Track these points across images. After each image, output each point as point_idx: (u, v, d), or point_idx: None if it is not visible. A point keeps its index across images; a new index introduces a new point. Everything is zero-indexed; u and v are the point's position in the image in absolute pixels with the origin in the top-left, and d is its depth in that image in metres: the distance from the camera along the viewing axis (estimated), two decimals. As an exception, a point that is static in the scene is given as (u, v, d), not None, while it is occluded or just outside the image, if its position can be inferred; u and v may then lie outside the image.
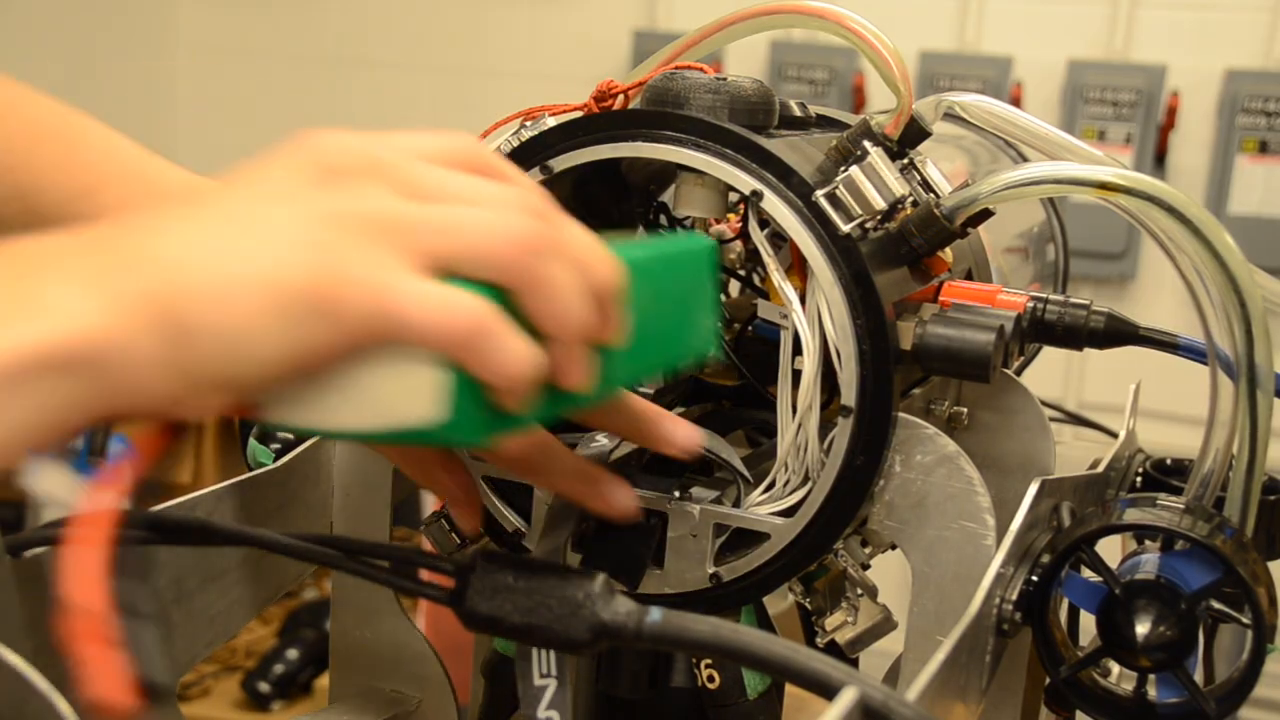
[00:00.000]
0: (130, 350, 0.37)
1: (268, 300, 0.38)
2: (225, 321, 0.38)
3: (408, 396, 0.41)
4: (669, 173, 0.70)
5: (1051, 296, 0.67)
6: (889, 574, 0.72)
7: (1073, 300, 0.67)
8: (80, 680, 0.35)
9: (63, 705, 0.46)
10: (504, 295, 0.41)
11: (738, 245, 0.72)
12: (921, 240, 0.62)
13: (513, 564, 0.47)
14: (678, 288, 0.51)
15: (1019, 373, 0.72)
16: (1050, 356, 0.82)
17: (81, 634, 0.36)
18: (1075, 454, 0.80)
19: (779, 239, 0.61)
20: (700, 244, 0.52)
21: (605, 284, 0.44)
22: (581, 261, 0.43)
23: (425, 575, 0.49)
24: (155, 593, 0.41)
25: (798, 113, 0.69)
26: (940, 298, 0.64)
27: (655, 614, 0.45)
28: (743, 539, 0.62)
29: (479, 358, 0.40)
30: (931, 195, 0.64)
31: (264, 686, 2.22)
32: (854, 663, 0.67)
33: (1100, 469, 0.73)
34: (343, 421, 0.42)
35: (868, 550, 0.66)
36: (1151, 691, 0.61)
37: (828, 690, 0.42)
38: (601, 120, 0.62)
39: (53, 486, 0.39)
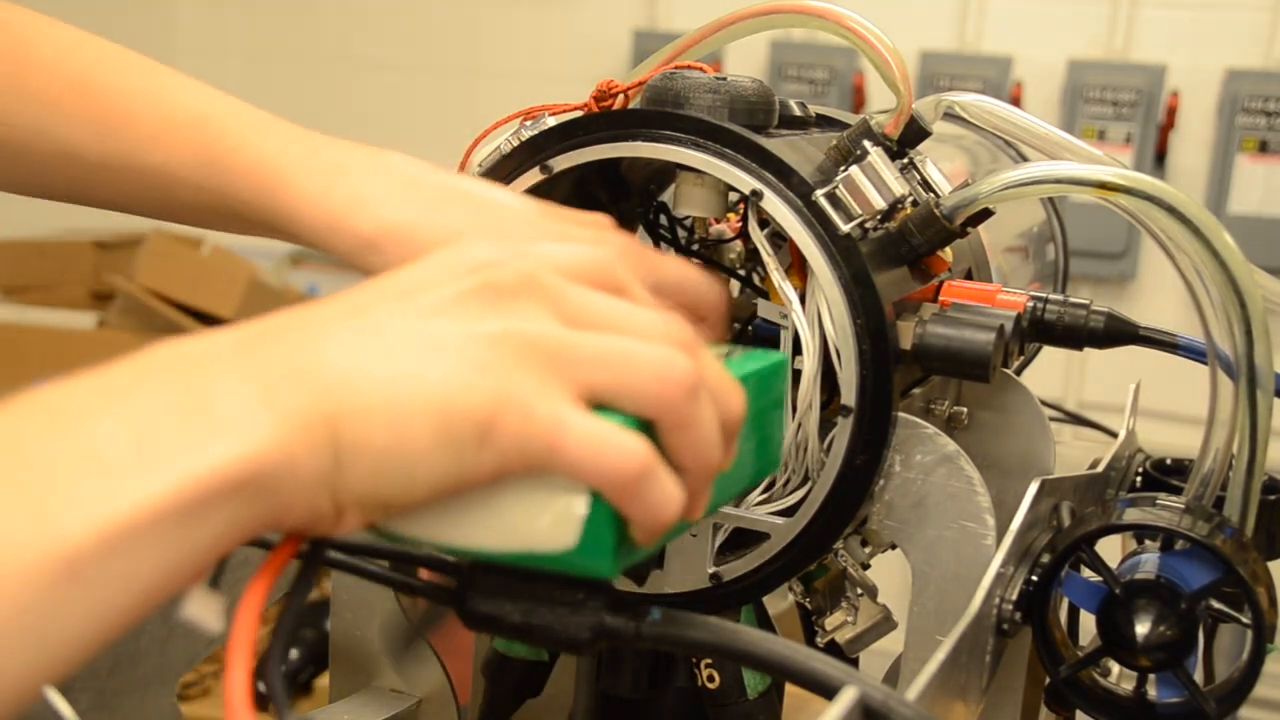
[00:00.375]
0: (299, 471, 0.36)
1: (435, 426, 0.38)
2: (391, 445, 0.37)
3: (548, 525, 0.41)
4: (669, 172, 0.70)
5: (1051, 296, 0.67)
6: (889, 574, 0.72)
7: (1072, 300, 0.67)
8: None
9: (64, 707, 0.46)
10: (649, 428, 0.41)
11: (738, 245, 0.72)
12: (921, 240, 0.62)
13: (515, 565, 0.46)
14: (764, 405, 0.50)
15: (1019, 372, 0.72)
16: (1050, 356, 0.82)
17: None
18: (1075, 454, 0.80)
19: (779, 239, 0.61)
20: (778, 359, 0.51)
21: (736, 418, 0.44)
22: (719, 396, 0.43)
23: (425, 575, 0.49)
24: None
25: (798, 112, 0.69)
26: (940, 297, 0.64)
27: (655, 614, 0.45)
28: (743, 539, 0.63)
29: (637, 501, 0.40)
30: (931, 195, 0.64)
31: (264, 686, 2.22)
32: (854, 662, 0.67)
33: (1100, 469, 0.73)
34: (474, 541, 0.42)
35: (868, 550, 0.66)
36: (1151, 691, 0.61)
37: (827, 690, 0.42)
38: (601, 120, 0.62)
39: (199, 611, 0.37)
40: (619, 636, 0.44)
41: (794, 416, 0.61)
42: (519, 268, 0.42)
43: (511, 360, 0.39)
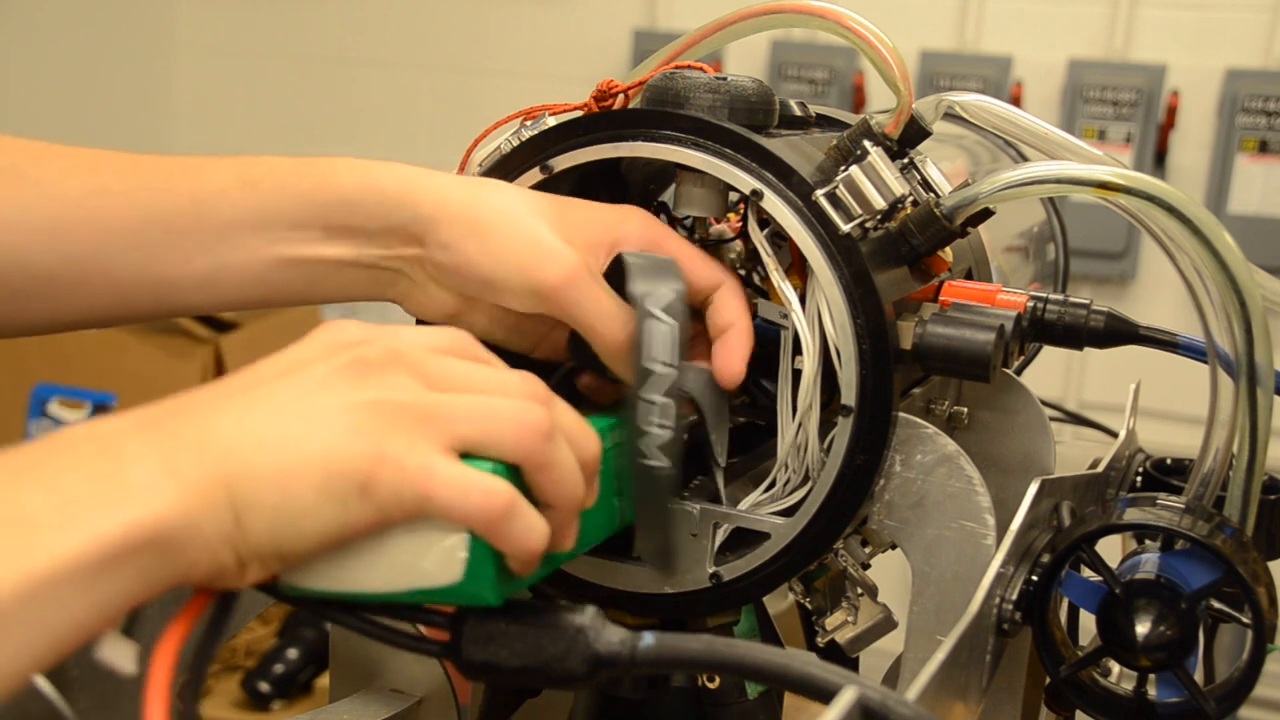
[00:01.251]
0: (200, 527, 0.41)
1: (318, 482, 0.43)
2: (281, 501, 0.43)
3: (435, 564, 0.46)
4: (669, 172, 0.70)
5: (1051, 296, 0.67)
6: (889, 573, 0.72)
7: (1073, 300, 0.67)
8: None
9: (64, 707, 0.46)
10: (515, 472, 0.47)
11: (738, 245, 0.72)
12: (921, 240, 0.62)
13: (504, 608, 0.47)
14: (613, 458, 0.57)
15: (1019, 372, 0.72)
16: (1050, 356, 0.82)
17: None
18: (1075, 453, 0.80)
19: (779, 238, 0.61)
20: (604, 423, 0.57)
21: (592, 459, 0.50)
22: (574, 439, 0.49)
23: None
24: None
25: (798, 112, 0.69)
26: (940, 297, 0.64)
27: (648, 639, 0.45)
28: (743, 539, 0.62)
29: (504, 534, 0.45)
30: (931, 195, 0.64)
31: (264, 686, 2.22)
32: (854, 662, 0.67)
33: (1100, 468, 0.73)
34: (370, 585, 0.46)
35: (868, 550, 0.66)
36: (1151, 691, 0.61)
37: (824, 695, 0.42)
38: (602, 120, 0.62)
39: (114, 655, 0.41)
40: (615, 666, 0.45)
41: (794, 416, 0.61)
42: (385, 344, 0.47)
43: (383, 422, 0.44)
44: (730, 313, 0.61)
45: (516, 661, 0.46)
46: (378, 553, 0.46)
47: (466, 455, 0.46)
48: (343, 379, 0.45)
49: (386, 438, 0.44)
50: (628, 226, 0.61)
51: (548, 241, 0.58)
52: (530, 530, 0.46)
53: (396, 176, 0.61)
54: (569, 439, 0.49)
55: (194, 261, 0.62)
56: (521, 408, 0.47)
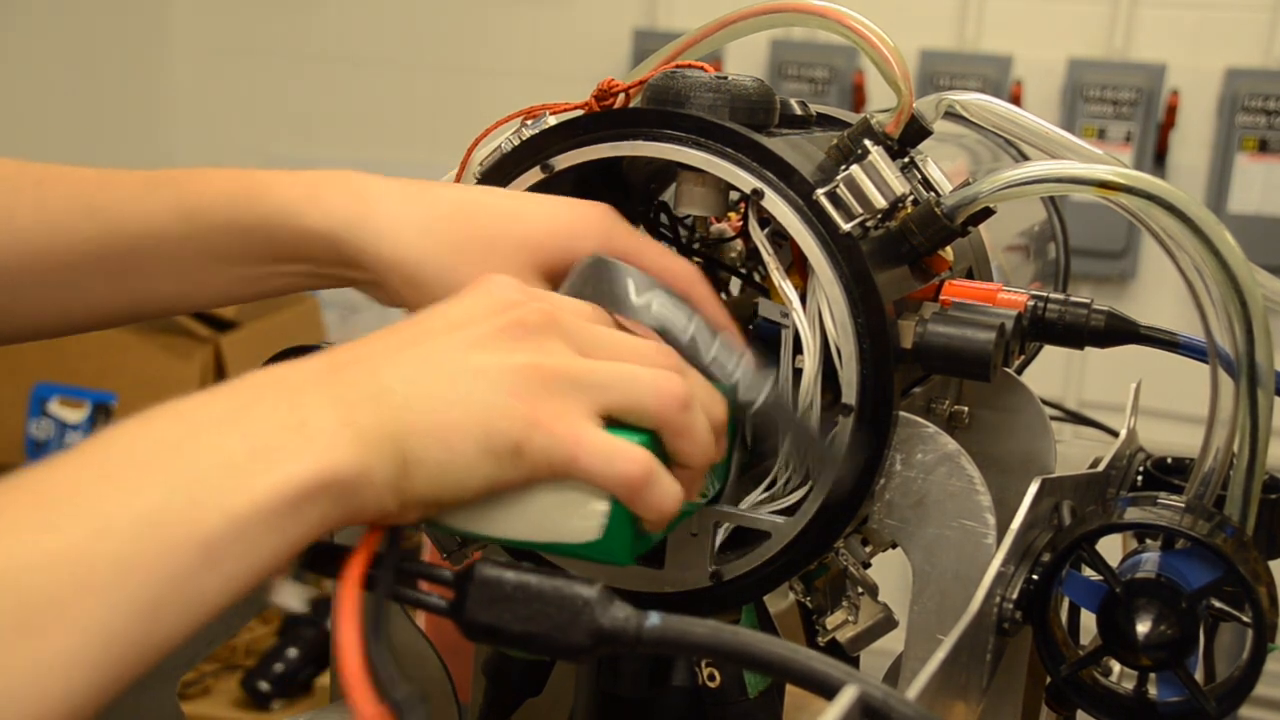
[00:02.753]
0: (371, 477, 0.44)
1: (479, 440, 0.46)
2: (444, 456, 0.46)
3: (575, 522, 0.50)
4: (670, 171, 0.70)
5: (1052, 295, 0.67)
6: (890, 573, 0.72)
7: (1073, 299, 0.67)
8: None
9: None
10: (653, 436, 0.50)
11: (738, 244, 0.72)
12: (922, 239, 0.62)
13: (511, 572, 0.47)
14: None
15: (1020, 371, 0.72)
16: (1051, 355, 0.82)
17: (350, 681, 0.42)
18: (1076, 453, 0.80)
19: (779, 237, 0.61)
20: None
21: (721, 422, 0.54)
22: (707, 405, 0.52)
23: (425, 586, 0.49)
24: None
25: (798, 111, 0.69)
26: (941, 296, 0.64)
27: (654, 618, 0.45)
28: (743, 538, 0.62)
29: (643, 499, 0.49)
30: (932, 194, 0.64)
31: (264, 685, 2.22)
32: (855, 661, 0.67)
33: (1101, 468, 0.73)
34: (509, 532, 0.50)
35: (868, 549, 0.66)
36: (1152, 690, 0.61)
37: (828, 690, 0.42)
38: (602, 119, 0.62)
39: (286, 597, 0.45)
40: (618, 642, 0.45)
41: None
42: (540, 308, 0.50)
43: (538, 386, 0.48)
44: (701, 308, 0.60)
45: (520, 627, 0.46)
46: (525, 505, 0.50)
47: (611, 421, 0.50)
48: (501, 340, 0.49)
49: (541, 401, 0.48)
50: (584, 241, 0.59)
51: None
52: (666, 495, 0.49)
53: (328, 220, 0.60)
54: (704, 405, 0.52)
55: (160, 287, 0.64)
56: (662, 376, 0.51)
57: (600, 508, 0.50)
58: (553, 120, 0.64)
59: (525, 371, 0.48)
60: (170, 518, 0.40)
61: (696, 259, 0.73)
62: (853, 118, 0.69)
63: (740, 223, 0.70)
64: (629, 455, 0.48)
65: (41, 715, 0.36)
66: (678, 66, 0.65)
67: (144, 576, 0.39)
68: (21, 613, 0.37)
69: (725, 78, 0.62)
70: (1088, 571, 0.61)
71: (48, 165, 0.67)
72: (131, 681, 0.39)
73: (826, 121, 0.72)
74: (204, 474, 0.41)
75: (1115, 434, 0.82)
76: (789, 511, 0.61)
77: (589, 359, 0.50)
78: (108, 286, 0.65)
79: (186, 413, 0.44)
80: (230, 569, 0.41)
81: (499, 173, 0.64)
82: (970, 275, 0.73)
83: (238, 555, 0.41)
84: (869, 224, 0.59)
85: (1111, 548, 0.62)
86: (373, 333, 0.50)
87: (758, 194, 0.59)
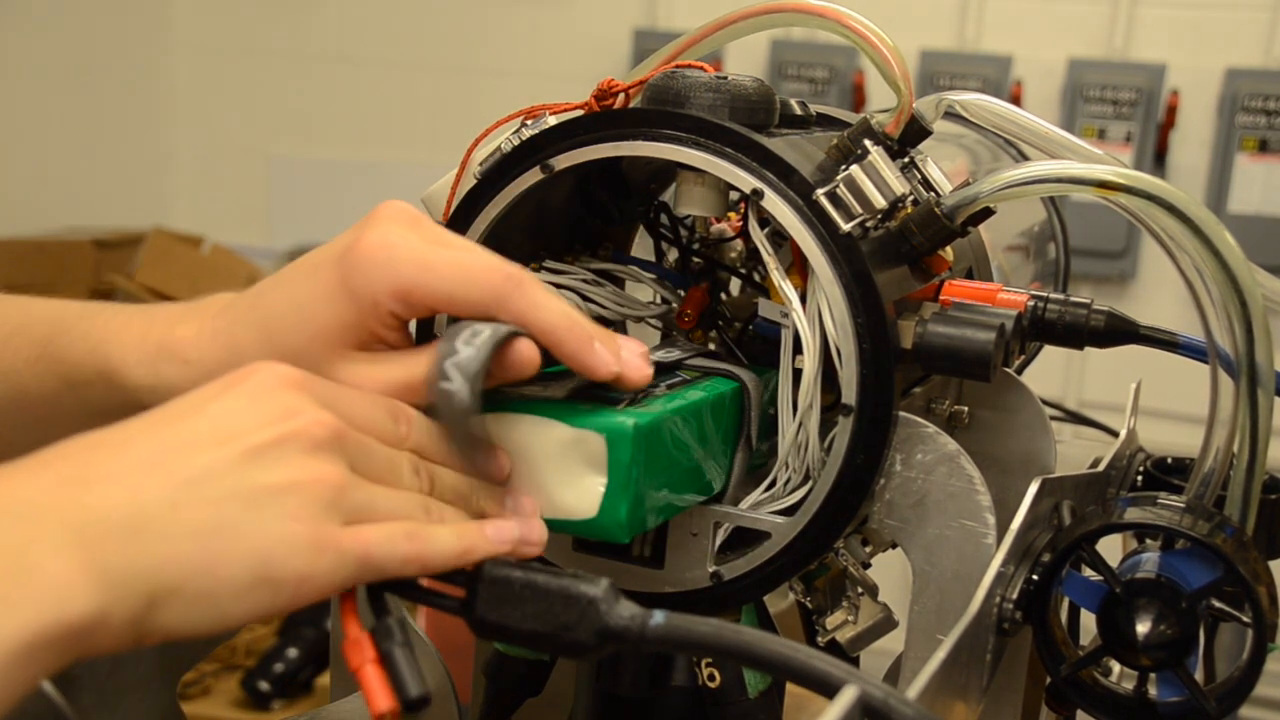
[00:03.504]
0: (109, 620, 0.41)
1: (252, 571, 0.43)
2: (205, 589, 0.43)
3: (574, 498, 0.53)
4: (670, 171, 0.70)
5: (1052, 295, 0.67)
6: (890, 573, 0.72)
7: (1073, 299, 0.67)
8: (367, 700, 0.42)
9: (65, 706, 0.46)
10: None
11: (738, 244, 0.72)
12: (922, 239, 0.62)
13: (518, 571, 0.47)
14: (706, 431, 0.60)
15: (1020, 371, 0.72)
16: (1050, 355, 0.82)
17: (355, 661, 0.43)
18: (1076, 453, 0.80)
19: (779, 237, 0.61)
20: (726, 389, 0.61)
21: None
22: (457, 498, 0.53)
23: (434, 584, 0.50)
24: (400, 621, 0.47)
25: (798, 111, 0.69)
26: (941, 296, 0.64)
27: (659, 617, 0.45)
28: (743, 538, 0.62)
29: (419, 560, 0.48)
30: (932, 194, 0.64)
31: (264, 685, 2.22)
32: (855, 661, 0.67)
33: (1101, 468, 0.73)
34: None
35: (868, 549, 0.66)
36: (1152, 690, 0.61)
37: (829, 689, 0.42)
38: (602, 119, 0.62)
39: None
40: (624, 640, 0.45)
41: (795, 415, 0.61)
42: (322, 419, 0.47)
43: (323, 506, 0.45)
44: (524, 324, 0.53)
45: (527, 625, 0.46)
46: (527, 476, 0.53)
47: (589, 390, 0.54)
48: (281, 454, 0.45)
49: (324, 520, 0.45)
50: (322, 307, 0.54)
51: None
52: (440, 547, 0.48)
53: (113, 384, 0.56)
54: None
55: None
56: (417, 511, 0.49)
57: (598, 484, 0.52)
58: (553, 120, 0.64)
59: (306, 490, 0.45)
60: None
61: (697, 259, 0.73)
62: (853, 118, 0.69)
63: (740, 223, 0.70)
64: (406, 533, 0.47)
65: None
66: (678, 66, 0.65)
67: None
68: None
69: (725, 78, 0.62)
70: (1088, 571, 0.61)
71: None
72: None
73: (826, 121, 0.72)
74: None
75: (1115, 434, 0.82)
76: (789, 511, 0.61)
77: (366, 483, 0.48)
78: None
79: None
80: None
81: (499, 173, 0.64)
82: (970, 275, 0.73)
83: None
84: (869, 224, 0.59)
85: (1111, 548, 0.62)
86: (127, 423, 0.46)
87: (757, 194, 0.59)
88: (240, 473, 0.44)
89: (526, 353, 0.52)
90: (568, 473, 0.52)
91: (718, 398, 0.61)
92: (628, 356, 0.54)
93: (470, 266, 0.52)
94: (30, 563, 0.39)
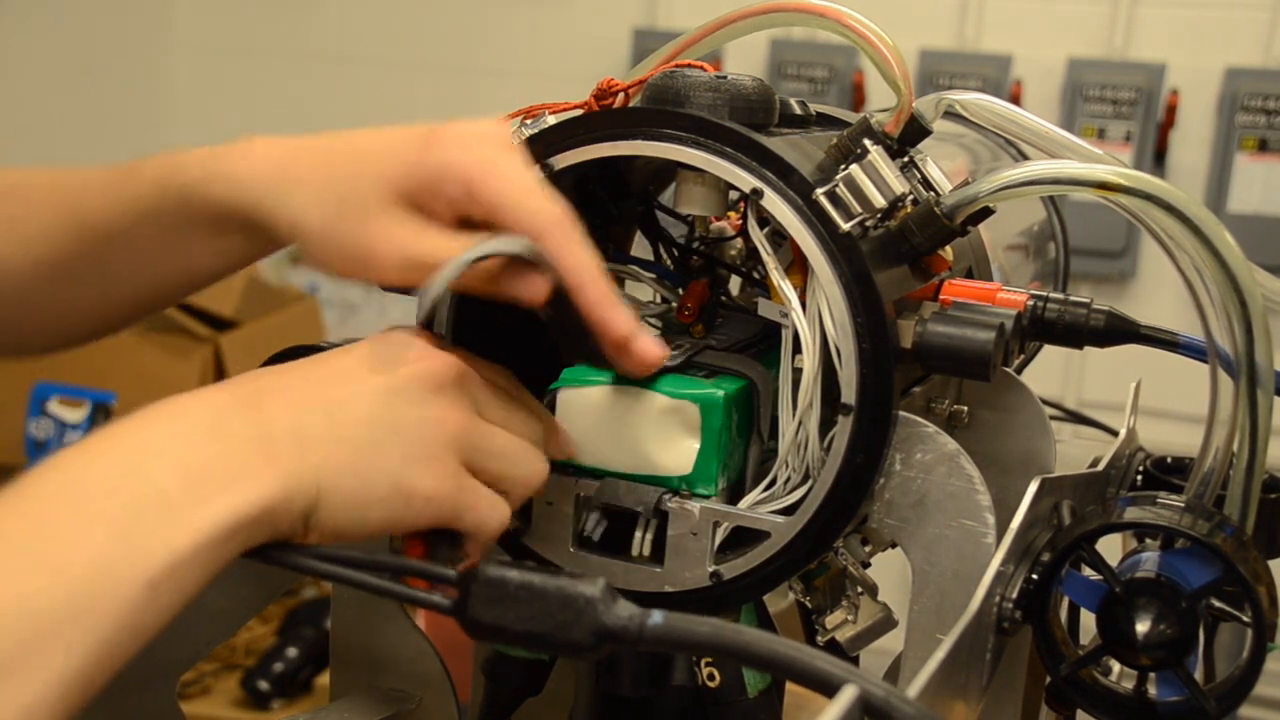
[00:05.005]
0: (291, 508, 0.49)
1: (389, 489, 0.51)
2: (354, 497, 0.51)
3: (669, 457, 0.61)
4: (669, 171, 0.70)
5: (1052, 295, 0.67)
6: (889, 572, 0.72)
7: (1073, 298, 0.67)
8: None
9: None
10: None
11: (738, 243, 0.72)
12: (922, 238, 0.62)
13: (514, 571, 0.47)
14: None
15: (1019, 371, 0.72)
16: (1050, 355, 0.82)
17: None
18: (1075, 452, 0.80)
19: (779, 237, 0.61)
20: (737, 386, 0.64)
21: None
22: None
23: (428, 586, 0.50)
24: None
25: (798, 111, 0.69)
26: (940, 296, 0.64)
27: (657, 616, 0.45)
28: (743, 537, 0.62)
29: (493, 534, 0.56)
30: (932, 193, 0.64)
31: (264, 685, 2.22)
32: (855, 661, 0.67)
33: (1100, 467, 0.73)
34: (612, 463, 0.62)
35: (868, 548, 0.66)
36: (1152, 690, 0.61)
37: (829, 688, 0.42)
38: (602, 118, 0.62)
39: None
40: (621, 640, 0.45)
41: (794, 415, 0.61)
42: (451, 360, 0.55)
43: (444, 441, 0.53)
44: (557, 259, 0.56)
45: (523, 626, 0.46)
46: (627, 440, 0.60)
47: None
48: (415, 391, 0.53)
49: (445, 455, 0.53)
50: (434, 153, 0.57)
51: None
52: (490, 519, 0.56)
53: (235, 192, 0.60)
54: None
55: (132, 279, 0.67)
56: (534, 463, 0.57)
57: (693, 445, 0.60)
58: (552, 120, 0.64)
59: (434, 423, 0.53)
60: (117, 560, 0.43)
61: (696, 259, 0.73)
62: (852, 117, 0.69)
63: (740, 222, 0.70)
64: (501, 513, 0.55)
65: None
66: (677, 66, 0.65)
67: (97, 618, 0.42)
68: None
69: (725, 77, 0.62)
70: (1087, 571, 0.61)
71: (9, 172, 0.68)
72: (76, 715, 0.42)
73: (826, 121, 0.72)
74: (143, 513, 0.45)
75: (1115, 434, 0.82)
76: (788, 511, 0.61)
77: (485, 422, 0.55)
78: (86, 289, 0.67)
79: (120, 444, 0.47)
80: (167, 601, 0.44)
81: (499, 172, 0.64)
82: (970, 275, 0.73)
83: (175, 588, 0.45)
84: (868, 224, 0.59)
85: (1111, 547, 0.62)
86: (286, 365, 0.54)
87: (757, 193, 0.59)
88: (383, 400, 0.52)
89: (529, 278, 0.57)
90: (666, 437, 0.60)
91: (740, 390, 0.63)
92: (645, 334, 0.59)
93: (533, 191, 0.57)
94: (227, 462, 0.47)
